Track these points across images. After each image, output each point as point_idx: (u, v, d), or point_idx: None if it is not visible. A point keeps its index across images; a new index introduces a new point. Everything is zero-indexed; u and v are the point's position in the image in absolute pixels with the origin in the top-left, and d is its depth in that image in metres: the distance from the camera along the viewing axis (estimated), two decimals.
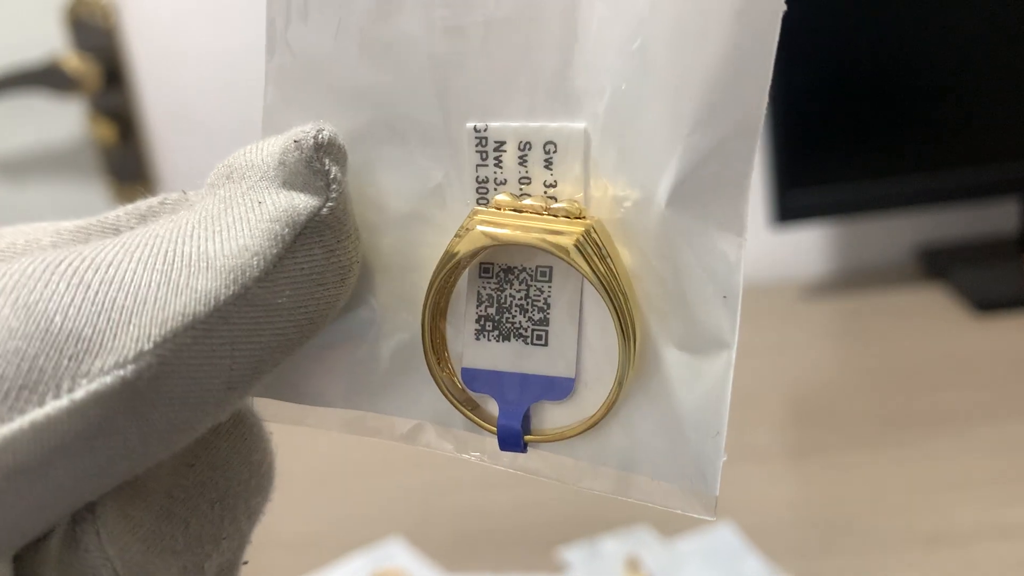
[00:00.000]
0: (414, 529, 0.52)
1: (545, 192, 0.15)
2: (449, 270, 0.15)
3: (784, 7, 0.13)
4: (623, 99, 0.14)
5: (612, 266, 0.14)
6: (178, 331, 0.12)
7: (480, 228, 0.14)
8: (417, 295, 0.16)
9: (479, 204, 0.15)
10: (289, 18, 0.15)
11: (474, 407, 0.16)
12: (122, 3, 0.96)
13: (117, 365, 0.11)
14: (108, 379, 0.11)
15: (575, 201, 0.15)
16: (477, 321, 0.16)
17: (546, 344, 0.15)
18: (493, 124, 0.15)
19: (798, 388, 0.66)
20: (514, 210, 0.15)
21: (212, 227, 0.13)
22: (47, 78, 0.98)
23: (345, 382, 0.16)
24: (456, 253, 0.15)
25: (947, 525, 0.46)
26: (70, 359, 0.11)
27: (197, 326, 0.12)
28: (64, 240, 0.15)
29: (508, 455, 0.16)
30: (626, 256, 0.15)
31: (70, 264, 0.12)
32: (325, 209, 0.14)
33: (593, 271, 0.14)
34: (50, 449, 0.11)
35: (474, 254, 0.15)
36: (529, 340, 0.15)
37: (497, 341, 0.16)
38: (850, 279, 0.89)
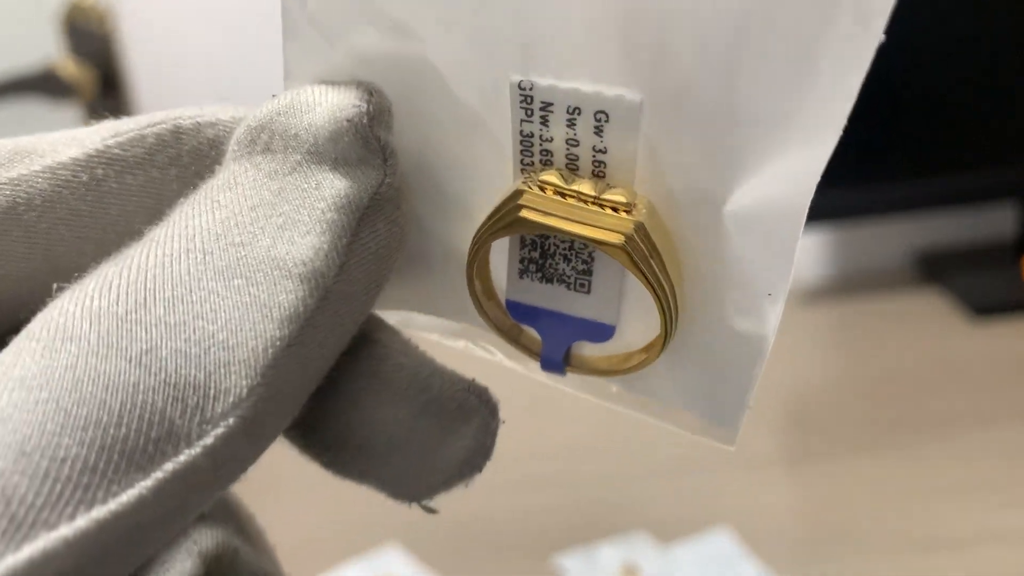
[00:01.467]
0: (411, 536, 0.52)
1: (593, 157, 0.14)
2: (493, 233, 0.14)
3: (882, 37, 0.12)
4: (703, 85, 0.13)
5: (660, 261, 0.14)
6: (278, 355, 0.12)
7: (524, 215, 0.14)
8: (461, 224, 0.15)
9: (523, 157, 0.14)
10: None
11: (519, 333, 0.16)
12: (118, 9, 0.96)
13: (235, 406, 0.12)
14: (231, 420, 0.12)
15: (627, 189, 0.14)
16: (521, 262, 0.15)
17: (589, 292, 0.15)
18: (540, 83, 0.13)
19: (795, 393, 0.66)
20: (559, 194, 0.14)
21: (272, 219, 0.13)
22: (43, 84, 0.98)
23: (397, 291, 0.16)
24: (500, 225, 0.14)
25: (944, 530, 0.46)
26: (193, 409, 0.11)
27: (292, 343, 0.12)
28: (63, 180, 0.14)
29: (548, 374, 0.16)
30: (676, 237, 0.14)
31: (156, 298, 0.12)
32: (384, 186, 0.13)
33: (639, 270, 0.14)
34: (186, 491, 0.12)
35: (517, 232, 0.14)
36: (572, 287, 0.15)
37: (540, 282, 0.15)
38: (848, 284, 0.89)
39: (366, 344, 0.15)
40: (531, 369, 0.17)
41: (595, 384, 0.16)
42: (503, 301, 0.16)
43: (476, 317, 0.16)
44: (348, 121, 0.13)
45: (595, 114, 0.13)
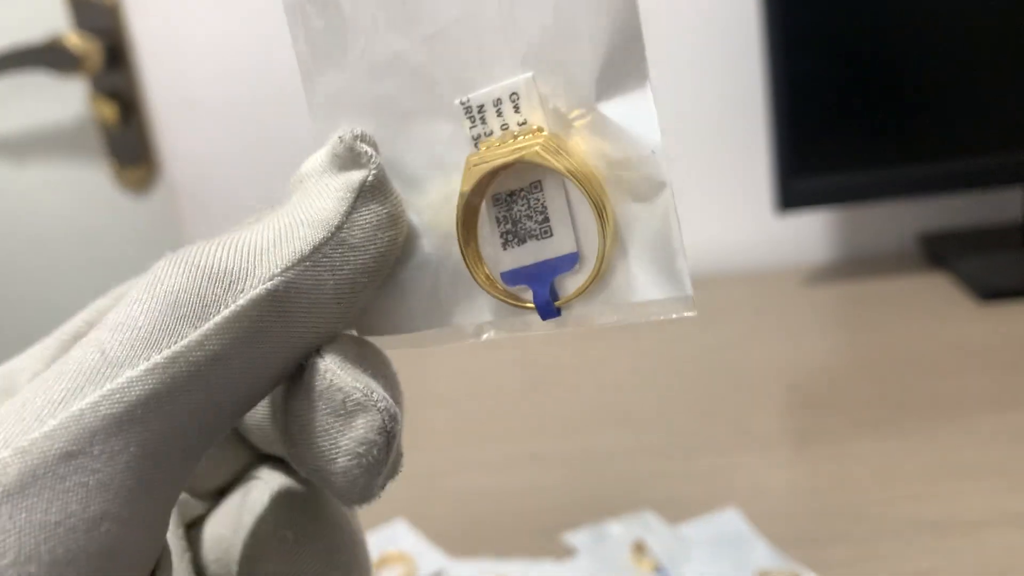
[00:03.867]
0: (418, 513, 0.52)
1: (519, 125, 0.20)
2: (465, 205, 0.21)
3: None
4: (551, 48, 0.20)
5: (572, 160, 0.20)
6: (295, 261, 0.19)
7: (474, 163, 0.20)
8: (454, 230, 0.21)
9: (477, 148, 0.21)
10: (313, 68, 0.22)
11: (516, 297, 0.21)
12: None
13: (261, 282, 0.18)
14: (258, 291, 0.18)
15: (533, 123, 0.20)
16: (501, 236, 0.21)
17: (552, 235, 0.21)
18: (472, 95, 0.20)
19: (801, 374, 0.66)
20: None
21: (301, 203, 0.20)
22: (49, 57, 0.97)
23: (421, 308, 0.22)
24: (464, 191, 0.20)
25: (953, 512, 0.46)
26: (230, 283, 0.18)
27: (306, 259, 0.19)
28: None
29: (550, 323, 0.21)
30: (584, 150, 0.20)
31: (219, 242, 0.19)
32: (371, 176, 0.20)
33: (559, 163, 0.19)
34: (231, 341, 0.18)
35: (477, 186, 0.20)
36: (539, 236, 0.21)
37: (518, 246, 0.21)
38: (853, 266, 0.89)
39: (309, 367, 0.20)
40: (535, 328, 0.22)
41: (583, 317, 0.21)
42: (498, 277, 0.21)
43: (483, 311, 0.22)
44: (339, 139, 0.21)
45: (510, 96, 0.20)
